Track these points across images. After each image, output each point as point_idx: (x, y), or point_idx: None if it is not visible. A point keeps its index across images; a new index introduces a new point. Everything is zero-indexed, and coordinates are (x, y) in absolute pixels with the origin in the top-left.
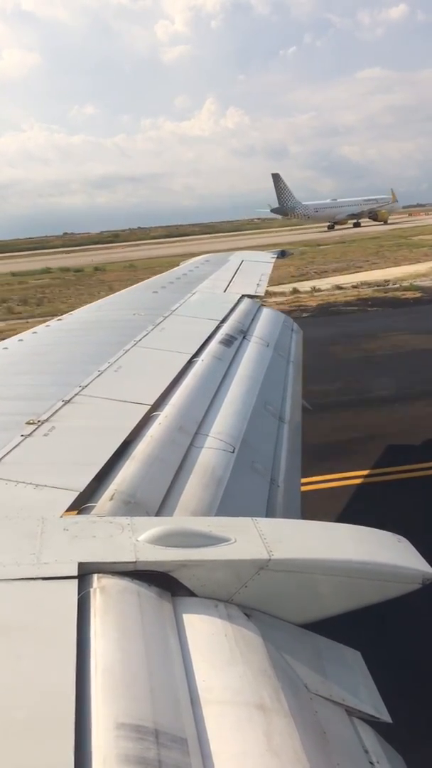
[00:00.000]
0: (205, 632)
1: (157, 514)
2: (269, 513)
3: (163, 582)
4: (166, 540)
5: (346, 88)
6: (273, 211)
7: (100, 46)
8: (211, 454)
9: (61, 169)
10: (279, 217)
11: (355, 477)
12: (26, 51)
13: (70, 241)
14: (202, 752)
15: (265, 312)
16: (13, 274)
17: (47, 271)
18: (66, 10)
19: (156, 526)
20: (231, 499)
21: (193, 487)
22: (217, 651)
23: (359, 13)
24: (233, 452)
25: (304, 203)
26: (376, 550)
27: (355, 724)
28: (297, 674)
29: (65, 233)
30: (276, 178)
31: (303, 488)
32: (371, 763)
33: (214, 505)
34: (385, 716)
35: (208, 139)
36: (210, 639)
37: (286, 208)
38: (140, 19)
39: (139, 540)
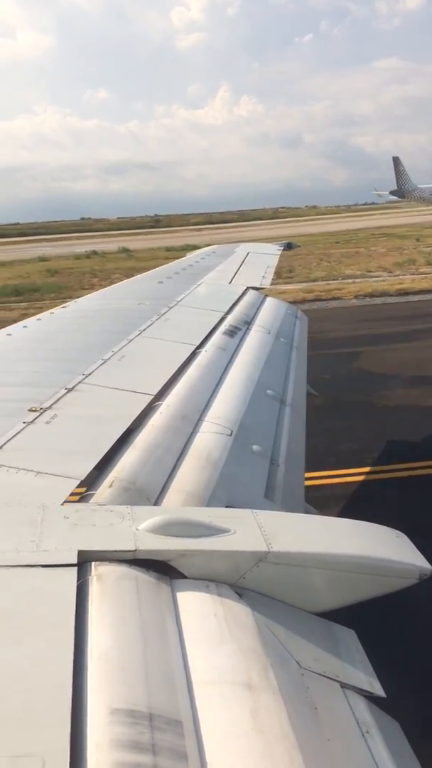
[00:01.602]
0: (196, 613)
1: (158, 500)
2: (268, 492)
3: (161, 569)
4: (165, 529)
5: (362, 77)
6: (391, 193)
7: (115, 31)
8: (207, 438)
9: (74, 153)
10: (396, 198)
11: None
12: (41, 33)
13: (113, 225)
14: (194, 733)
15: (268, 301)
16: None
17: (195, 247)
18: None
19: (156, 515)
20: (228, 480)
21: (188, 471)
22: (206, 631)
23: (377, 2)
24: (230, 435)
25: (420, 186)
26: (374, 544)
27: (348, 698)
28: (288, 651)
29: (82, 218)
30: (396, 161)
31: None
32: (363, 733)
33: (209, 487)
34: (379, 691)
35: (221, 127)
36: (200, 619)
37: (404, 191)
38: (156, 5)
39: (139, 529)
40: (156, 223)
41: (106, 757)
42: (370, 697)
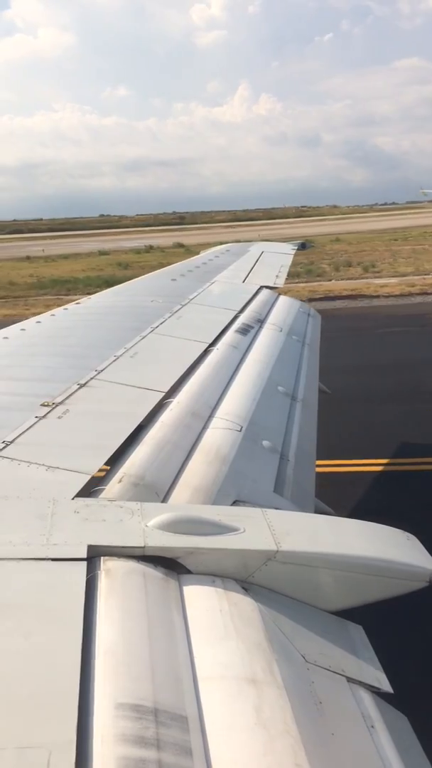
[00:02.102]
0: (203, 608)
1: (167, 495)
2: (278, 487)
3: (169, 565)
4: (175, 527)
5: (383, 77)
6: None
7: (135, 28)
8: (216, 434)
9: (92, 150)
10: None
11: None
12: (61, 30)
13: (140, 221)
14: (199, 729)
15: (281, 300)
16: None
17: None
18: None
19: (166, 512)
20: (237, 475)
21: (197, 466)
22: (212, 626)
23: (399, 2)
24: (240, 431)
25: None
26: (384, 546)
27: (354, 692)
28: (294, 646)
29: (101, 215)
30: None
31: None
32: (369, 728)
33: (217, 482)
34: (386, 686)
35: (239, 125)
36: (206, 615)
37: None
38: (176, 2)
39: (149, 525)
40: (181, 220)
41: (111, 751)
42: (378, 693)
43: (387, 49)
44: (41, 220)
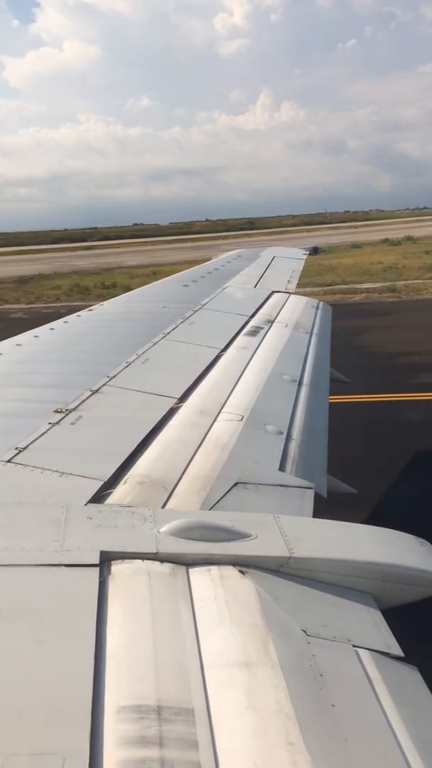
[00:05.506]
0: (199, 598)
1: (174, 487)
2: (283, 465)
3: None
4: (187, 533)
5: (408, 82)
6: None
7: (159, 39)
8: (218, 426)
9: (118, 161)
10: None
11: None
12: (87, 44)
13: (211, 228)
14: (204, 719)
15: (290, 299)
16: (413, 240)
17: (413, 240)
18: (126, 3)
19: (178, 518)
20: (238, 460)
21: (198, 458)
22: (208, 615)
23: (423, 6)
24: (241, 420)
25: None
26: (397, 552)
27: (360, 658)
28: (295, 622)
29: (135, 224)
30: None
31: None
32: (373, 691)
33: (216, 468)
34: (396, 650)
35: (263, 132)
36: (202, 604)
37: None
38: (199, 12)
39: (161, 531)
40: (251, 225)
41: (112, 756)
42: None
43: (412, 55)
44: (96, 228)
